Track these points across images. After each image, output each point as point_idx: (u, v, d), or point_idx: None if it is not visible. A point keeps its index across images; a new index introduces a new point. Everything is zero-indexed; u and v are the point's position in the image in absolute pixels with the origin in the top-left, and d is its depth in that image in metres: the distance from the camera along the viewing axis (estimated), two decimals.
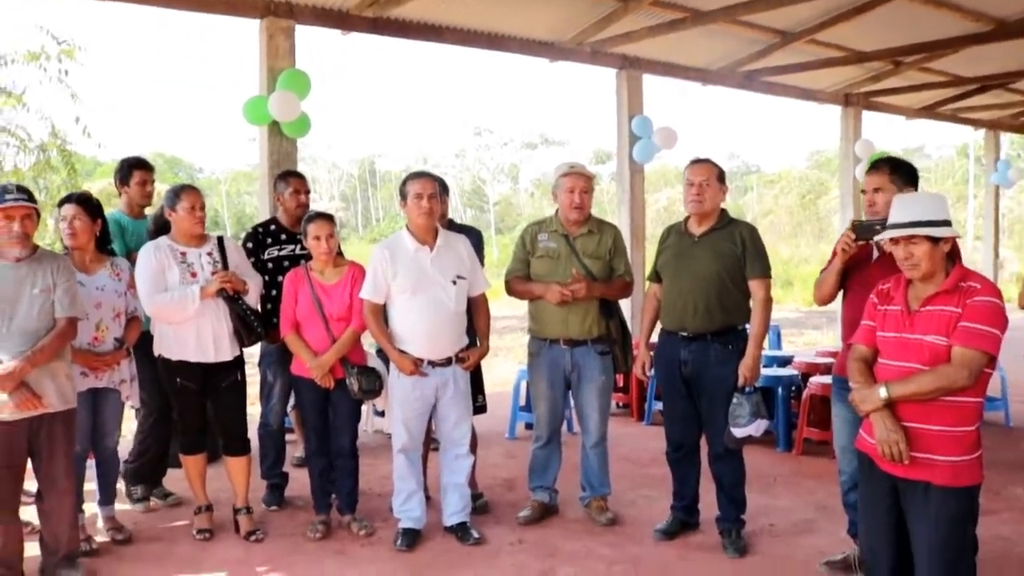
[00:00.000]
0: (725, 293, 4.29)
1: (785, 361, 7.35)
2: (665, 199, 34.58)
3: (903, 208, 3.02)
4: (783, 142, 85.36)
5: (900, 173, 3.80)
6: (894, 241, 3.01)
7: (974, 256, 19.98)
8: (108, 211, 4.90)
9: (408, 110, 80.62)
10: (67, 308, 3.86)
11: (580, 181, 4.66)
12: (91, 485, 4.57)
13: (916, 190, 3.78)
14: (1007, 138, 22.41)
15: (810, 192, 39.00)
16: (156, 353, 4.51)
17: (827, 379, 6.31)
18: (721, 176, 4.40)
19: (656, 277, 4.58)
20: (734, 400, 4.19)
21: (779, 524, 4.82)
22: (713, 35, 8.49)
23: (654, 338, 4.66)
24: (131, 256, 4.74)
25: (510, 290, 4.82)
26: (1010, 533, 4.62)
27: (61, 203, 4.44)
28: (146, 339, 4.60)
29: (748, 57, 9.26)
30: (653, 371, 4.70)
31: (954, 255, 3.09)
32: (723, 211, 4.44)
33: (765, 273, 4.34)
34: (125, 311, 4.45)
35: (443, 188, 4.75)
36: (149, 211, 5.26)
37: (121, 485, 4.86)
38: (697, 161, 4.43)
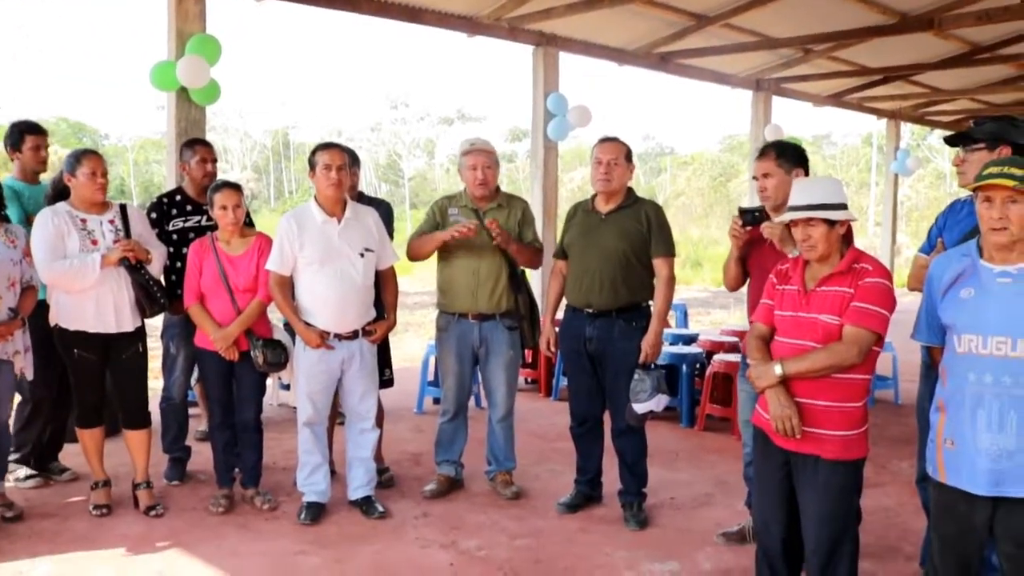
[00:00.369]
0: (630, 270, 4.36)
1: (690, 339, 7.52)
2: (580, 178, 34.82)
3: (802, 191, 3.12)
4: (697, 125, 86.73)
5: (786, 156, 3.88)
6: (793, 223, 3.10)
7: (874, 241, 20.71)
8: (2, 177, 4.69)
9: (324, 81, 79.05)
10: None
11: (481, 157, 4.66)
12: None
13: (805, 171, 3.88)
14: (907, 128, 23.22)
15: (722, 175, 39.81)
16: (52, 323, 4.36)
17: (730, 357, 6.50)
18: (629, 155, 4.46)
19: (562, 254, 4.62)
20: (636, 376, 4.26)
21: (680, 497, 4.95)
22: (630, 15, 8.55)
23: (560, 315, 4.72)
24: (29, 222, 4.55)
25: (410, 251, 4.74)
26: (892, 504, 4.85)
27: None
28: (41, 310, 4.44)
29: (664, 39, 9.36)
30: (558, 346, 4.75)
31: (848, 237, 3.20)
32: (630, 190, 4.51)
33: (669, 252, 4.43)
34: (20, 280, 4.28)
35: (353, 160, 4.70)
36: (46, 177, 5.06)
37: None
38: (606, 139, 4.48)
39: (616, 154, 4.39)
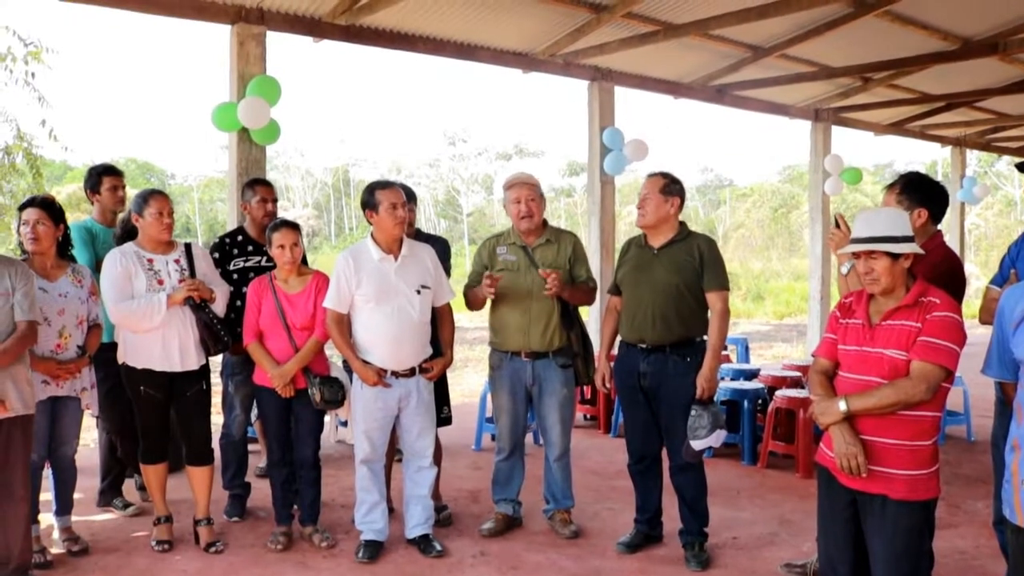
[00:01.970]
0: (683, 305, 4.30)
1: (752, 374, 7.37)
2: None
3: (865, 223, 3.04)
4: (756, 156, 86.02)
5: (910, 192, 3.64)
6: (856, 255, 3.03)
7: None
8: (81, 219, 4.82)
9: (382, 118, 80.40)
10: (27, 312, 3.81)
11: (524, 190, 4.65)
12: (47, 495, 4.50)
13: (932, 214, 3.64)
14: (973, 155, 22.67)
15: (782, 206, 39.30)
16: (120, 360, 4.45)
17: (793, 392, 6.35)
18: (666, 188, 4.36)
19: (616, 290, 4.58)
20: (692, 412, 4.18)
21: (742, 537, 4.82)
22: (685, 48, 8.55)
23: (615, 351, 4.66)
24: (98, 267, 4.66)
25: (467, 302, 4.80)
26: (968, 547, 4.65)
27: (23, 207, 4.34)
28: (107, 349, 4.54)
29: (720, 71, 9.34)
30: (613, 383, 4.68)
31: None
32: (682, 224, 4.45)
33: (723, 286, 4.35)
34: (87, 318, 4.38)
35: (409, 196, 4.73)
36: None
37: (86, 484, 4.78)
38: (648, 175, 4.46)
39: (648, 189, 4.37)
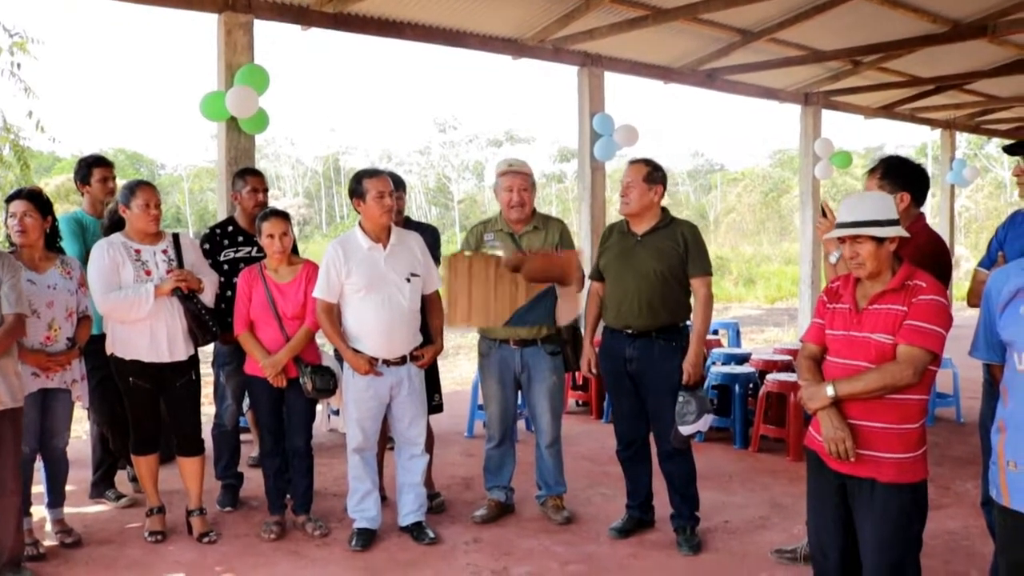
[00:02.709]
0: (668, 291, 4.30)
1: (743, 358, 7.39)
2: None
3: (849, 208, 3.05)
4: (747, 141, 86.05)
5: (892, 177, 3.65)
6: (841, 240, 3.04)
7: None
8: (71, 210, 4.78)
9: (372, 106, 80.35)
10: (14, 305, 3.79)
11: (518, 179, 4.64)
12: (39, 488, 4.50)
13: (914, 197, 3.66)
14: (963, 138, 22.68)
15: (773, 190, 39.36)
16: (109, 352, 4.44)
17: (784, 376, 6.38)
18: (649, 176, 4.35)
19: (598, 276, 4.57)
20: (680, 398, 4.19)
21: (734, 521, 4.85)
22: (674, 33, 8.53)
23: (599, 336, 4.66)
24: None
25: None
26: (957, 527, 4.68)
27: (10, 199, 4.32)
28: (96, 341, 4.53)
29: (709, 55, 9.31)
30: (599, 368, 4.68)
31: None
32: (664, 210, 4.45)
33: (706, 271, 4.35)
34: (77, 310, 4.37)
35: (397, 184, 4.72)
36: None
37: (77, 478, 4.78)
38: (629, 162, 4.45)
39: (632, 176, 4.36)
